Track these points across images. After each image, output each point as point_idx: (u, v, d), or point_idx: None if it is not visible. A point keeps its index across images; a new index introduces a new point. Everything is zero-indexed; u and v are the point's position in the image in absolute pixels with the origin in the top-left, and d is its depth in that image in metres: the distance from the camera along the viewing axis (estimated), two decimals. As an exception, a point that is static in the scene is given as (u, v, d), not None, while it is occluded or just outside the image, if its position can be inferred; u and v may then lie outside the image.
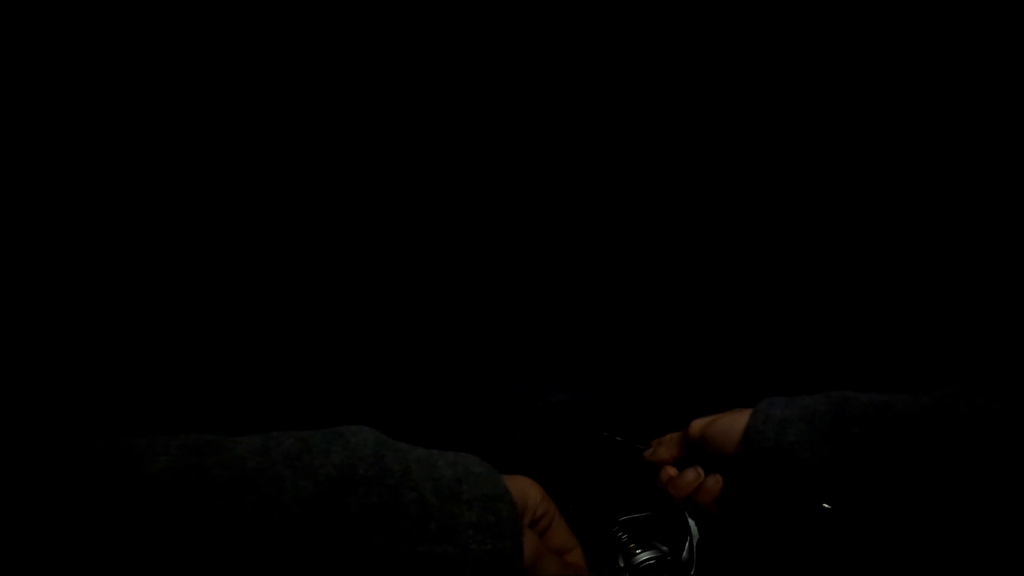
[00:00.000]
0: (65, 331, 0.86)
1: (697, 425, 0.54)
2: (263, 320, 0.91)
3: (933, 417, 0.44)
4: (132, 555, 0.35)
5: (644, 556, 0.58)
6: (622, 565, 0.57)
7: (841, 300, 0.85)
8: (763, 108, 0.87)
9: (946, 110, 0.81)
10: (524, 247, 0.94)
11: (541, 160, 0.93)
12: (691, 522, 0.56)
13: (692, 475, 0.55)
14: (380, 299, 0.93)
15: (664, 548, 0.58)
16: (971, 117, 0.80)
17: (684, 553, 0.55)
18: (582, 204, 0.93)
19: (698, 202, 0.91)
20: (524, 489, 0.44)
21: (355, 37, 0.89)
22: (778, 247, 0.89)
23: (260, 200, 0.93)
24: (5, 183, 0.84)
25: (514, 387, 0.84)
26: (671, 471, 0.57)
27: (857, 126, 0.85)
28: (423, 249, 0.95)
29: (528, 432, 0.79)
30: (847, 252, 0.86)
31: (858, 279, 0.85)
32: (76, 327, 0.87)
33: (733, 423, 0.51)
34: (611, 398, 0.82)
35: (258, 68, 0.89)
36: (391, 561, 0.37)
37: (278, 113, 0.91)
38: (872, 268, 0.85)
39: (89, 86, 0.86)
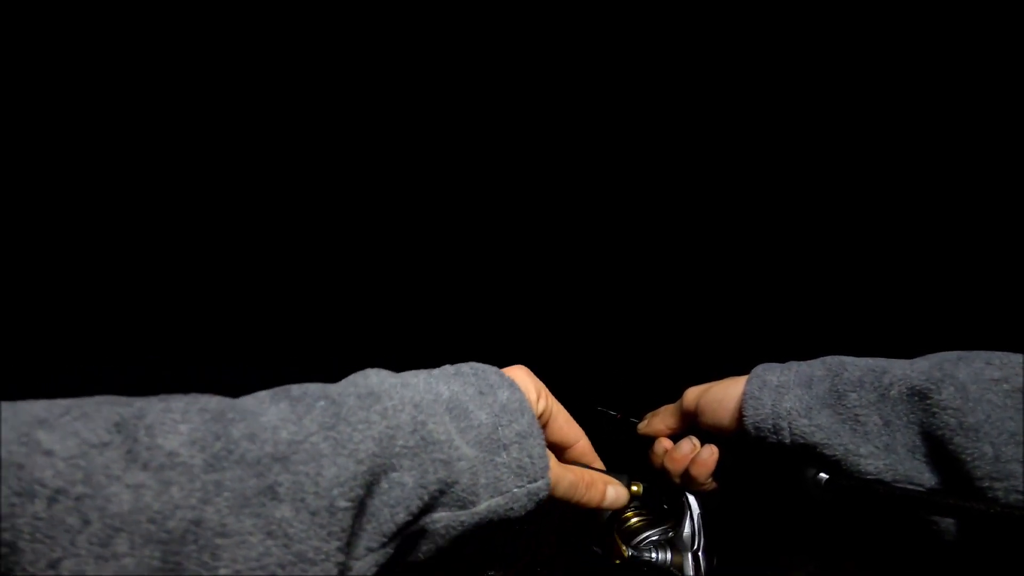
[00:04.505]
0: (65, 328, 0.86)
1: (692, 393, 0.53)
2: (265, 319, 0.90)
3: (931, 382, 0.43)
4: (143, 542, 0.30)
5: (648, 533, 0.56)
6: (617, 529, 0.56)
7: (834, 293, 0.84)
8: (756, 104, 0.87)
9: (946, 110, 0.81)
10: (522, 248, 0.94)
11: (535, 166, 0.93)
12: (690, 497, 0.55)
13: (688, 447, 0.54)
14: (382, 299, 0.93)
15: (666, 524, 0.57)
16: (971, 117, 0.80)
17: (686, 529, 0.54)
18: (576, 204, 0.93)
19: (688, 193, 0.91)
20: (525, 389, 0.44)
21: (356, 38, 0.88)
22: (770, 238, 0.89)
23: (262, 200, 0.93)
24: (5, 183, 0.84)
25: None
26: (666, 444, 0.56)
27: (851, 115, 0.85)
28: (424, 250, 0.94)
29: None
30: (838, 246, 0.86)
31: (852, 273, 0.85)
32: (76, 324, 0.86)
33: (728, 390, 0.50)
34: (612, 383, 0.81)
35: (259, 70, 0.89)
36: (454, 525, 0.38)
37: (281, 114, 0.91)
38: (867, 262, 0.85)
39: (93, 87, 0.85)
